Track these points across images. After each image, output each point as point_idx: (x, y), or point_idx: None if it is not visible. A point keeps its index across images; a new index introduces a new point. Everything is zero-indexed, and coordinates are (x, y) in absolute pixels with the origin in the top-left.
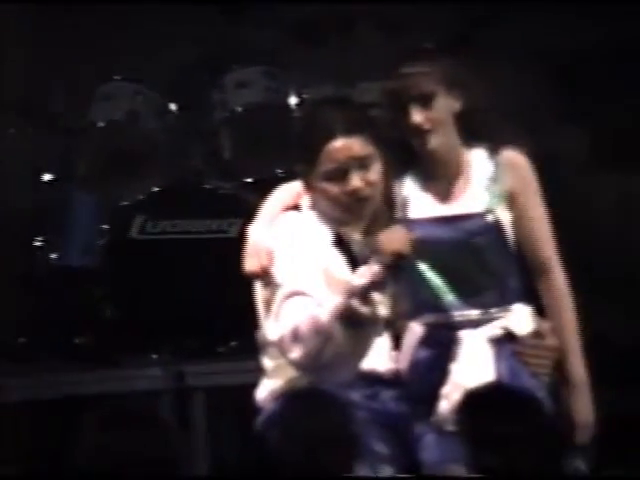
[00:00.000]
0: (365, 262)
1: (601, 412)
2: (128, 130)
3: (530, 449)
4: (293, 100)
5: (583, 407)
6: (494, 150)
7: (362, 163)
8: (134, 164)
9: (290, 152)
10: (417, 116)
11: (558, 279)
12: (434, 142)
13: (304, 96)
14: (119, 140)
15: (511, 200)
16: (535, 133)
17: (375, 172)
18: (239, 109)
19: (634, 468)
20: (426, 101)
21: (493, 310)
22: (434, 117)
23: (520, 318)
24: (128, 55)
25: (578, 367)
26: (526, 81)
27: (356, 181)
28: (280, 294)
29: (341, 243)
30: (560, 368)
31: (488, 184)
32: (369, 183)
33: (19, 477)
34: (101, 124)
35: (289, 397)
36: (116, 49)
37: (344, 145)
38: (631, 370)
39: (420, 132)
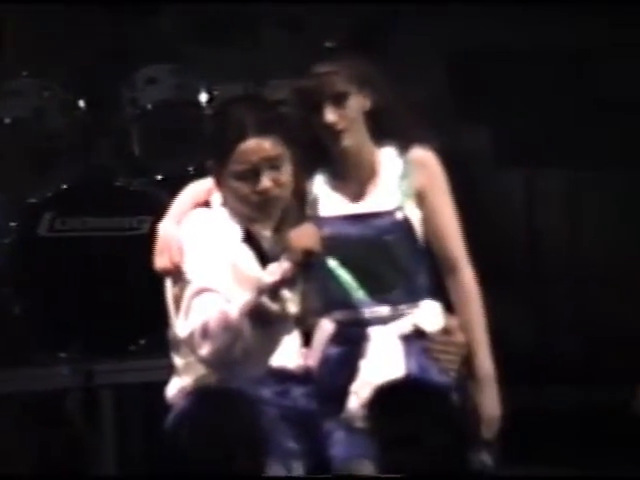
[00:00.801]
0: (275, 259)
1: (507, 407)
2: (35, 127)
3: (438, 444)
4: (203, 97)
5: (489, 402)
6: (403, 148)
7: (273, 164)
8: (42, 161)
9: (201, 149)
10: (330, 115)
11: (466, 276)
12: (347, 141)
13: (214, 93)
14: (26, 137)
15: (420, 198)
16: (443, 131)
17: (286, 172)
18: (149, 106)
19: (536, 464)
20: (339, 100)
21: (402, 307)
22: (347, 116)
23: (429, 315)
24: (35, 51)
25: (485, 363)
26: (433, 80)
27: (266, 181)
28: (189, 291)
29: (251, 240)
30: (468, 364)
31: (398, 182)
32: (279, 183)
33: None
34: (7, 121)
35: (199, 395)
36: (23, 45)
37: (256, 146)
38: (536, 367)
39: (333, 131)
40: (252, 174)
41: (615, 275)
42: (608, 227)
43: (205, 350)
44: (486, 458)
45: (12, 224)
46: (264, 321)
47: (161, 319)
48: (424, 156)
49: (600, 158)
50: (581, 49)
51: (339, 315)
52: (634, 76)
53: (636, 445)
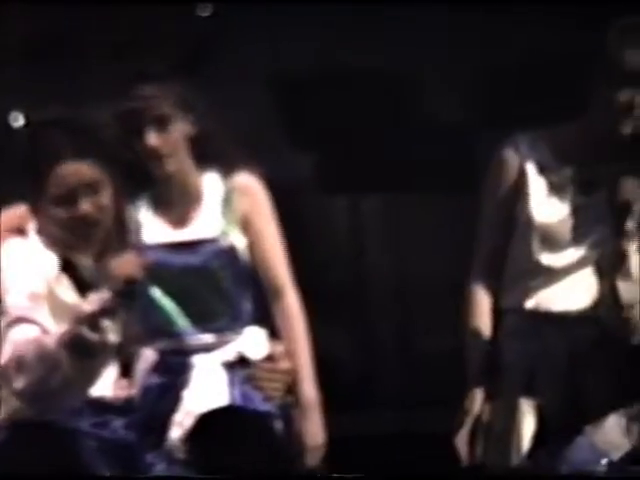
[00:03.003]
0: (95, 288)
1: (331, 434)
2: None
3: (262, 473)
4: (18, 121)
5: (313, 429)
6: (227, 174)
7: (92, 188)
8: None
9: (14, 174)
10: (153, 139)
11: (292, 303)
12: (169, 166)
13: (29, 117)
14: None
15: (245, 224)
16: (267, 157)
17: (105, 196)
18: None
19: None
20: (162, 124)
21: (227, 334)
22: (170, 140)
23: (254, 342)
24: None
25: (309, 390)
26: (257, 105)
27: (85, 206)
28: (3, 322)
29: (70, 268)
30: (293, 391)
31: (222, 208)
32: (99, 208)
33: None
34: None
35: (13, 428)
36: None
37: (73, 170)
38: (361, 393)
39: (155, 155)
40: (70, 199)
41: (439, 299)
42: (431, 251)
43: (20, 383)
44: None
45: None
46: (83, 351)
47: None
48: (248, 182)
49: (423, 181)
50: (404, 72)
51: (161, 344)
52: (454, 98)
53: (456, 469)
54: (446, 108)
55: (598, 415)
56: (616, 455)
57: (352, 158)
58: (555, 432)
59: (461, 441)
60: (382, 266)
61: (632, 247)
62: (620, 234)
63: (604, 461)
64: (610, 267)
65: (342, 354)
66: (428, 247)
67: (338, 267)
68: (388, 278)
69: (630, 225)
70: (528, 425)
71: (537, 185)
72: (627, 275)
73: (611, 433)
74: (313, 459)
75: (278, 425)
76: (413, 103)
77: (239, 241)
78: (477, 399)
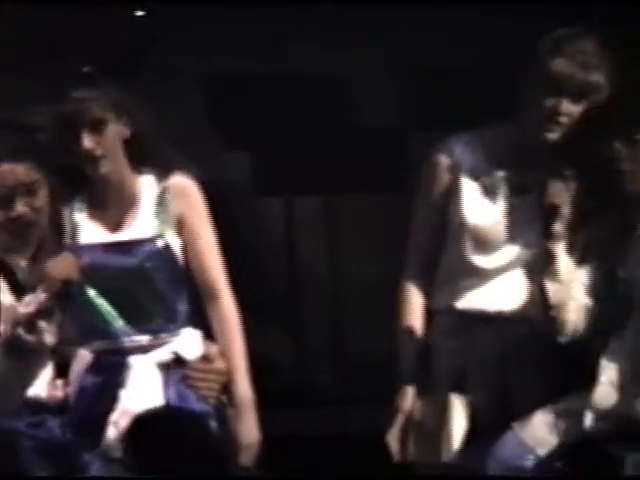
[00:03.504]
0: (31, 290)
1: (266, 434)
2: None
3: (197, 472)
4: None
5: (248, 429)
6: (162, 176)
7: (28, 189)
8: None
9: None
10: (88, 141)
11: (227, 303)
12: (104, 168)
13: None
14: None
15: (180, 225)
16: (202, 158)
17: (41, 198)
18: None
19: None
20: (97, 127)
21: (163, 335)
22: (105, 143)
23: (189, 342)
24: None
25: (244, 390)
26: (192, 107)
27: (21, 207)
28: None
29: (5, 270)
30: (228, 391)
31: (157, 210)
32: (35, 209)
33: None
34: None
35: None
36: None
37: (9, 171)
38: (295, 393)
39: (91, 158)
40: (6, 200)
41: (373, 299)
42: (364, 251)
43: None
44: None
45: None
46: (19, 352)
47: None
48: (183, 183)
49: (357, 182)
50: (338, 77)
51: (98, 344)
52: (387, 100)
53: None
54: (380, 110)
55: (526, 412)
56: (543, 451)
57: (286, 159)
58: (485, 429)
59: (393, 438)
60: (316, 267)
61: (560, 249)
62: (549, 236)
63: (531, 457)
64: (539, 268)
65: (277, 354)
66: (362, 248)
67: (272, 268)
68: (322, 279)
69: (558, 227)
70: (458, 422)
71: (469, 187)
72: (555, 276)
73: (538, 429)
74: (247, 458)
75: (213, 424)
76: (346, 105)
77: (174, 242)
78: (409, 397)
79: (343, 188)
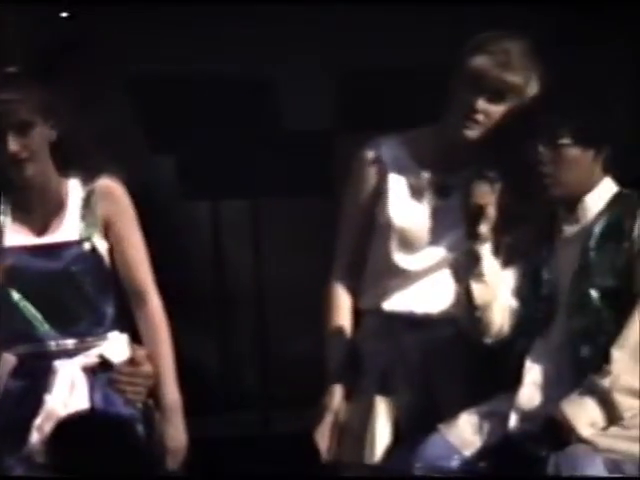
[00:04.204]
0: None
1: (193, 437)
2: None
3: (123, 476)
4: None
5: (175, 432)
6: (89, 179)
7: None
8: None
9: None
10: (13, 144)
11: (154, 307)
12: (30, 171)
13: None
14: None
15: (107, 228)
16: (128, 161)
17: None
18: None
19: None
20: (23, 129)
21: (89, 339)
22: (31, 146)
23: (115, 346)
24: None
25: (171, 393)
26: (118, 109)
27: None
28: None
29: None
30: (155, 394)
31: (83, 213)
32: None
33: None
34: None
35: None
36: None
37: None
38: (222, 395)
39: (16, 161)
40: None
41: (299, 301)
42: (291, 253)
43: None
44: None
45: None
46: None
47: None
48: (110, 186)
49: (284, 185)
50: (264, 79)
51: (23, 348)
52: (313, 101)
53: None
54: (306, 112)
55: (452, 414)
56: (468, 451)
57: (213, 162)
58: (410, 431)
59: (320, 437)
60: (243, 269)
61: (485, 250)
62: (474, 237)
63: (457, 457)
64: (464, 269)
65: (204, 357)
66: (288, 250)
67: (200, 271)
68: (248, 281)
69: (484, 229)
70: (383, 424)
71: (396, 188)
72: (480, 277)
73: (464, 430)
74: (174, 462)
75: (140, 428)
76: (273, 107)
77: (101, 245)
78: (336, 397)
79: (270, 190)
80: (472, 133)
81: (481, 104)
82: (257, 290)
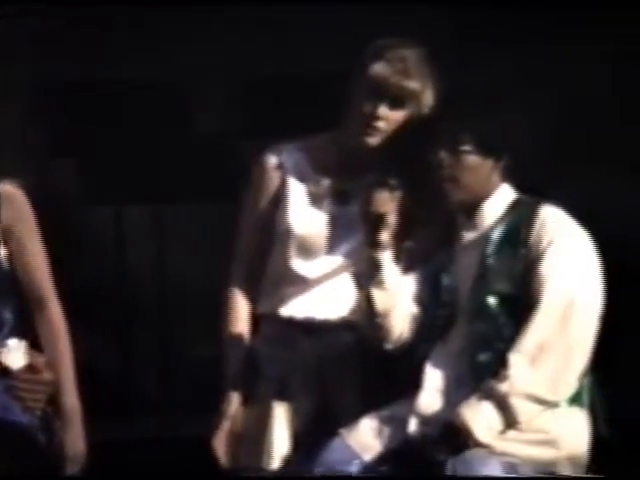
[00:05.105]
0: None
1: (94, 442)
2: None
3: None
4: None
5: (74, 439)
6: None
7: None
8: None
9: None
10: None
11: (53, 313)
12: None
13: None
14: None
15: (6, 234)
16: (29, 166)
17: None
18: None
19: None
20: None
21: None
22: None
23: (14, 352)
24: None
25: (71, 400)
26: (20, 113)
27: None
28: None
29: None
30: (54, 401)
31: None
32: None
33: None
34: None
35: None
36: None
37: None
38: (124, 400)
39: None
40: None
41: (201, 306)
42: (193, 259)
43: None
44: None
45: None
46: None
47: None
48: (10, 192)
49: (186, 190)
50: (167, 84)
51: None
52: (214, 108)
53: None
54: (209, 118)
55: (349, 419)
56: (368, 456)
57: (115, 168)
58: (308, 435)
59: (218, 444)
60: (145, 275)
61: (386, 257)
62: (374, 245)
63: (357, 462)
64: (365, 277)
65: (105, 362)
66: (191, 255)
67: (101, 277)
68: (151, 286)
69: (384, 236)
70: (282, 429)
71: (296, 194)
72: (381, 284)
73: (364, 435)
74: (74, 468)
75: (39, 436)
76: (175, 112)
77: (1, 251)
78: (234, 403)
79: (173, 196)
80: (373, 140)
81: (382, 111)
82: (160, 294)
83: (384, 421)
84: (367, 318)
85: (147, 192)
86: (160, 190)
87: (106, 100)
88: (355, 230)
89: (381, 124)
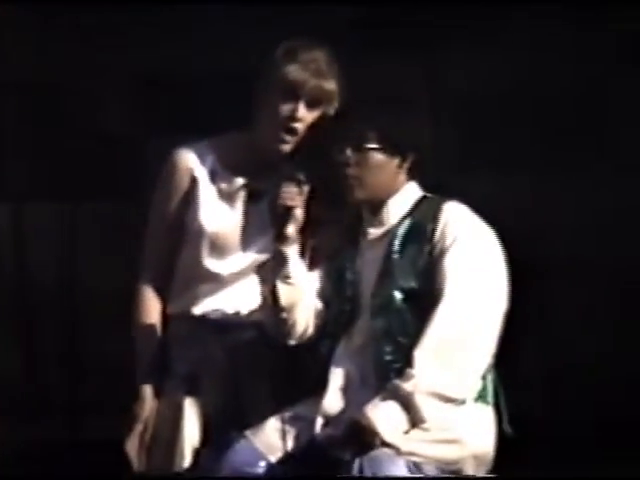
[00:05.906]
0: None
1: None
2: None
3: None
4: None
5: None
6: None
7: None
8: None
9: None
10: None
11: None
12: None
13: None
14: None
15: None
16: None
17: None
18: None
19: None
20: None
21: None
22: None
23: None
24: None
25: None
26: None
27: None
28: None
29: None
30: None
31: None
32: None
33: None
34: None
35: None
36: None
37: None
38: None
39: None
40: None
41: (109, 305)
42: (99, 259)
43: None
44: None
45: None
46: None
47: None
48: None
49: (92, 190)
50: (73, 82)
51: None
52: (121, 107)
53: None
54: (117, 116)
55: (259, 416)
56: (274, 457)
57: (17, 165)
58: (218, 436)
59: (131, 446)
60: (48, 275)
61: (292, 251)
62: (281, 239)
63: (263, 463)
64: (271, 271)
65: (8, 365)
66: (98, 253)
67: (1, 277)
68: (55, 287)
69: (291, 230)
70: (192, 428)
71: (207, 193)
72: (286, 279)
73: (270, 436)
74: None
75: None
76: (84, 110)
77: None
78: (145, 404)
79: (78, 194)
80: (290, 140)
81: (300, 112)
82: (65, 296)
83: (290, 421)
84: (272, 313)
85: (52, 190)
86: (66, 188)
87: (14, 98)
88: (268, 228)
89: (298, 125)
